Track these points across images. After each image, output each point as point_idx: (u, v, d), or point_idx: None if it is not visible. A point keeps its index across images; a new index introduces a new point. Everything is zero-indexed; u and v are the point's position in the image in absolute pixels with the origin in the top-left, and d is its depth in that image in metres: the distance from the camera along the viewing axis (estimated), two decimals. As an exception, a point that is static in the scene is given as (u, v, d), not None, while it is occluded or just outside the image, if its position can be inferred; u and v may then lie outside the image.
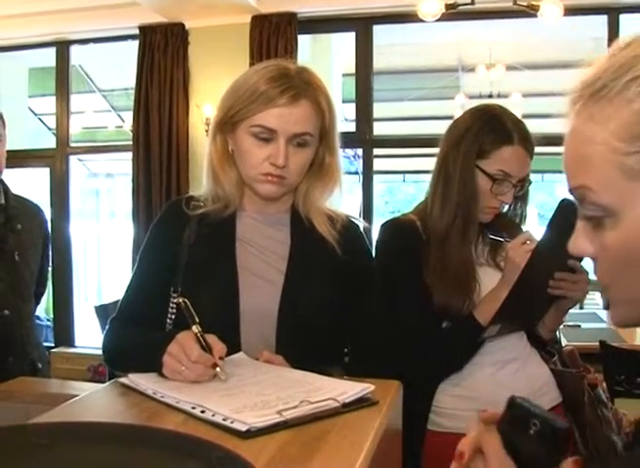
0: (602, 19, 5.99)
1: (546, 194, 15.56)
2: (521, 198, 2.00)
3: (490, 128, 1.90)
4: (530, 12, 4.56)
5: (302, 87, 1.62)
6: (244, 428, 1.08)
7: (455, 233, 1.89)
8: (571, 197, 1.55)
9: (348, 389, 1.24)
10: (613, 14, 5.89)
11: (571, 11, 5.17)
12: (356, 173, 6.67)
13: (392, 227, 2.01)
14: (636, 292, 0.79)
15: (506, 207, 1.99)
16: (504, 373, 1.94)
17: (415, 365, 1.83)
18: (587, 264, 1.84)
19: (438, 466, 1.92)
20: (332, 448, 1.04)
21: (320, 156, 1.70)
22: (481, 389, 1.92)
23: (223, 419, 1.13)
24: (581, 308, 8.32)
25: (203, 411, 1.17)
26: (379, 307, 1.75)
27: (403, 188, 13.93)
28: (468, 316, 1.87)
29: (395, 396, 1.33)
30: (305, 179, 1.71)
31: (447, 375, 1.93)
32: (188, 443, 0.93)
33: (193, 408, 1.19)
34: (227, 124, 1.66)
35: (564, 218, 1.65)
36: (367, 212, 6.05)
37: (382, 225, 2.01)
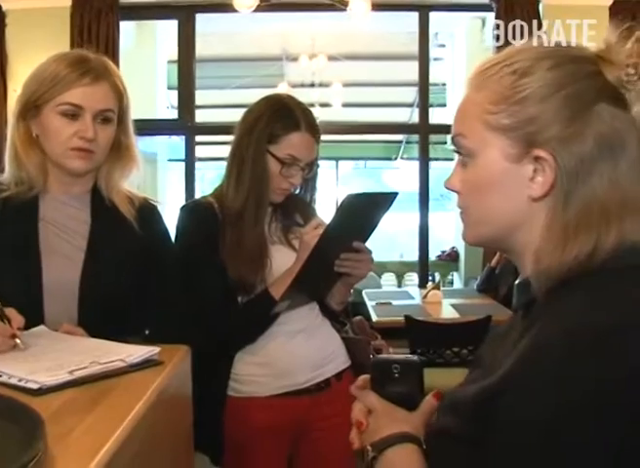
0: (414, 16, 6.35)
1: (374, 181, 16.12)
2: (310, 180, 2.19)
3: (280, 115, 2.07)
4: (339, 7, 4.79)
5: (101, 70, 1.77)
6: (36, 386, 1.20)
7: (248, 213, 2.06)
8: (354, 192, 1.80)
9: (136, 351, 1.38)
10: (423, 11, 6.26)
11: (381, 7, 5.47)
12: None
13: (190, 209, 2.17)
14: (482, 215, 1.05)
15: (298, 189, 2.19)
16: (296, 342, 2.13)
17: (213, 336, 2.00)
18: (370, 245, 2.08)
19: (238, 428, 2.11)
20: (114, 400, 1.18)
21: (117, 138, 1.83)
22: (274, 356, 2.11)
23: (18, 381, 1.24)
24: (399, 287, 8.82)
25: (0, 376, 1.28)
26: (175, 282, 1.90)
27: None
28: (264, 291, 2.05)
29: (182, 359, 1.46)
30: (106, 161, 1.84)
31: (242, 346, 2.10)
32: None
33: (-10, 373, 1.30)
34: (31, 109, 1.76)
35: (349, 208, 1.87)
36: (190, 198, 6.12)
37: (181, 208, 2.16)
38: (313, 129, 2.10)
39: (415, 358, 1.20)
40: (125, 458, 1.01)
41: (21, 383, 1.23)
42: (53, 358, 1.37)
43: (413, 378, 1.16)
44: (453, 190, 1.10)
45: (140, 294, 1.83)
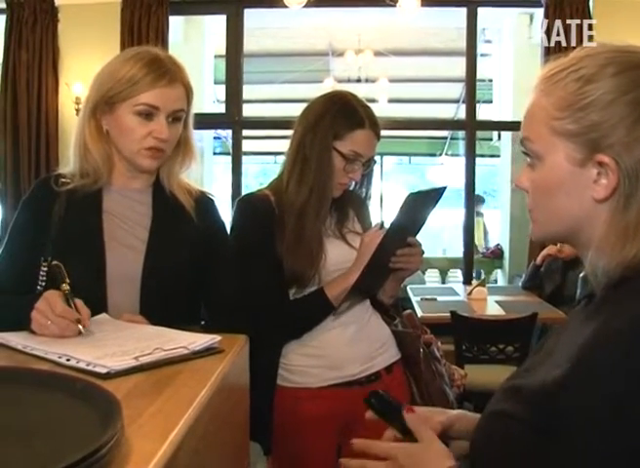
0: (462, 11, 6.33)
1: (418, 177, 16.06)
2: (366, 176, 2.24)
3: (344, 113, 2.11)
4: (389, 2, 4.79)
5: (175, 70, 1.81)
6: (104, 370, 1.24)
7: (310, 208, 2.10)
8: (413, 191, 1.85)
9: (198, 339, 1.42)
10: (471, 7, 6.21)
11: (429, 2, 5.46)
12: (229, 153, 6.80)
13: (246, 202, 2.21)
14: (549, 214, 1.11)
15: (352, 184, 2.23)
16: (348, 334, 2.17)
17: (262, 329, 2.03)
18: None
19: (289, 418, 2.14)
20: (180, 385, 1.21)
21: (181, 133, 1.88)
22: (327, 348, 2.15)
23: (87, 365, 1.28)
24: (443, 283, 8.80)
25: (68, 360, 1.31)
26: (230, 273, 1.94)
27: (276, 169, 14.06)
28: (321, 294, 2.09)
29: (241, 347, 1.49)
30: (169, 155, 1.88)
31: (288, 341, 2.16)
32: (52, 378, 1.08)
33: (60, 357, 1.33)
34: (103, 105, 1.81)
35: (410, 207, 1.93)
36: (236, 191, 6.19)
37: (238, 200, 2.21)
38: (375, 126, 2.15)
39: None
40: (193, 440, 1.05)
41: (89, 367, 1.27)
42: (118, 344, 1.41)
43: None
44: (522, 188, 1.15)
45: (199, 284, 1.87)
